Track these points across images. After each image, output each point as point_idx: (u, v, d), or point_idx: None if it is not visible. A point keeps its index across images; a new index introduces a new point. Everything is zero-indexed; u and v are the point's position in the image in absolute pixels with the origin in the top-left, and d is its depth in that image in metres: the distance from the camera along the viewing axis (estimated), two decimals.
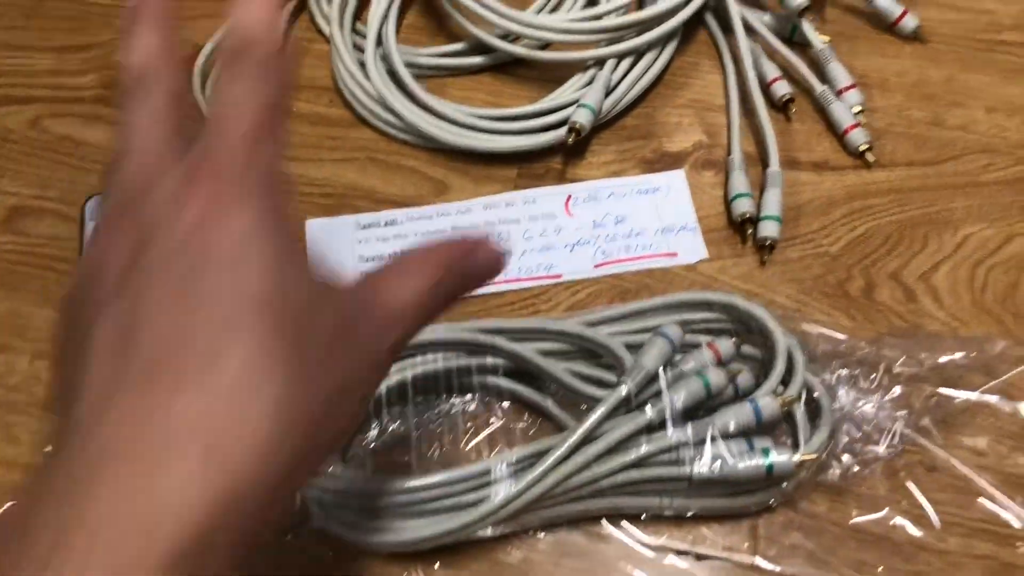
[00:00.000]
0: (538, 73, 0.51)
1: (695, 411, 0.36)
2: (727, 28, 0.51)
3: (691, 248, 0.44)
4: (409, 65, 0.50)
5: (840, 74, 0.48)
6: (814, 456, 0.35)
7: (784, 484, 0.36)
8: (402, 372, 0.38)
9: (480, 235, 0.27)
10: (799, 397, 0.37)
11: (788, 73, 0.49)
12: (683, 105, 0.50)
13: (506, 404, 0.39)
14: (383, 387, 0.38)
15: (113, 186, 0.25)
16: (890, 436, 0.37)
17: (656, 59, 0.49)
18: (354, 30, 0.53)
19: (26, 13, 0.56)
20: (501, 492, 0.34)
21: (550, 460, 0.34)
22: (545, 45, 0.50)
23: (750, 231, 0.44)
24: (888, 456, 0.37)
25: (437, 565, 0.36)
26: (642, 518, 0.37)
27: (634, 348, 0.38)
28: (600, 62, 0.48)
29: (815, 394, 0.37)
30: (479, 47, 0.51)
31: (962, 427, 0.38)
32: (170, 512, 0.19)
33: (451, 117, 0.48)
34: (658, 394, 0.36)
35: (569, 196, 0.46)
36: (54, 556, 0.18)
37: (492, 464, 0.35)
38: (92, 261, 0.24)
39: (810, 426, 0.37)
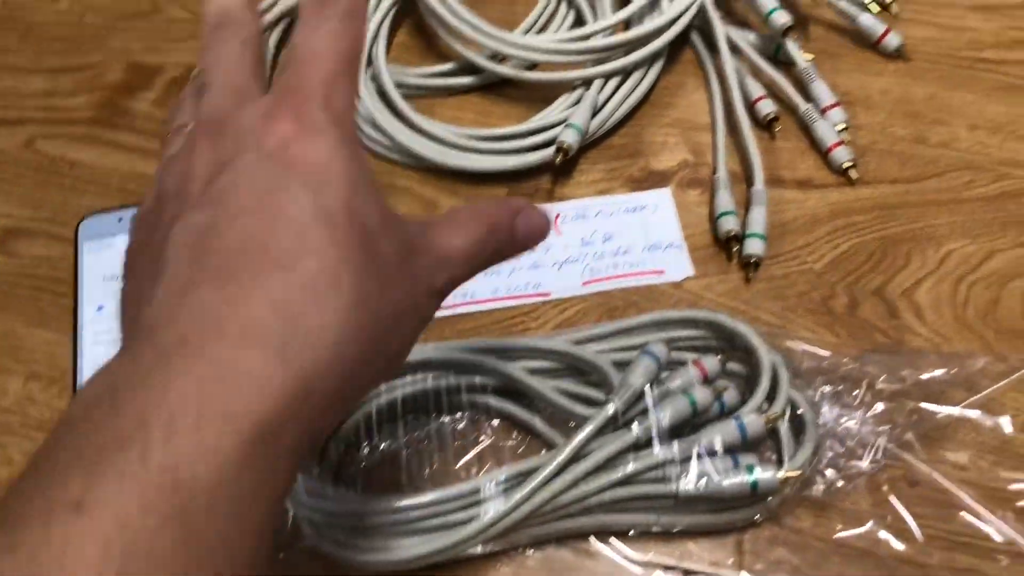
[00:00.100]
0: (527, 93, 0.51)
1: (681, 428, 0.37)
2: (713, 47, 0.52)
3: (677, 265, 0.45)
4: (399, 85, 0.50)
5: (824, 92, 0.49)
6: (798, 472, 0.36)
7: (769, 500, 0.36)
8: (392, 392, 0.38)
9: (525, 203, 0.29)
10: (783, 414, 0.37)
11: (773, 92, 0.50)
12: (669, 124, 0.50)
13: (495, 422, 0.40)
14: (373, 406, 0.38)
15: (199, 111, 0.26)
16: (873, 451, 0.38)
17: (643, 79, 0.50)
18: None
19: (19, 34, 0.57)
20: (491, 511, 0.35)
21: (539, 479, 0.35)
22: (533, 65, 0.50)
23: (735, 249, 0.45)
24: (871, 471, 0.38)
25: None
26: (630, 534, 0.37)
27: (622, 365, 0.39)
28: (587, 82, 0.49)
29: (799, 411, 0.38)
30: (468, 67, 0.51)
31: (944, 442, 0.39)
32: (247, 398, 0.20)
33: (441, 137, 0.48)
34: (645, 412, 0.37)
35: (558, 215, 0.47)
36: (137, 435, 0.18)
37: (481, 483, 0.36)
38: (173, 177, 0.25)
39: (795, 442, 0.37)
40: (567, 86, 0.50)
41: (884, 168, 0.48)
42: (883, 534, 0.37)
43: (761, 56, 0.51)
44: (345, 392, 0.23)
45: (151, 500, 0.18)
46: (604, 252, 0.45)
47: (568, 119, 0.47)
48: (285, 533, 0.36)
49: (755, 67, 0.51)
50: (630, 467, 0.36)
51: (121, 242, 0.45)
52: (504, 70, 0.50)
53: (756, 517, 0.37)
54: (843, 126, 0.48)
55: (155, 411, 0.19)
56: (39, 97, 0.54)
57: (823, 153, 0.48)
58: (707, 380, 0.38)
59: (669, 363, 0.39)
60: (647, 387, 0.37)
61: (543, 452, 0.38)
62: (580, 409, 0.38)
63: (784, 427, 0.37)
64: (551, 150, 0.47)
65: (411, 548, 0.35)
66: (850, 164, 0.47)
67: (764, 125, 0.49)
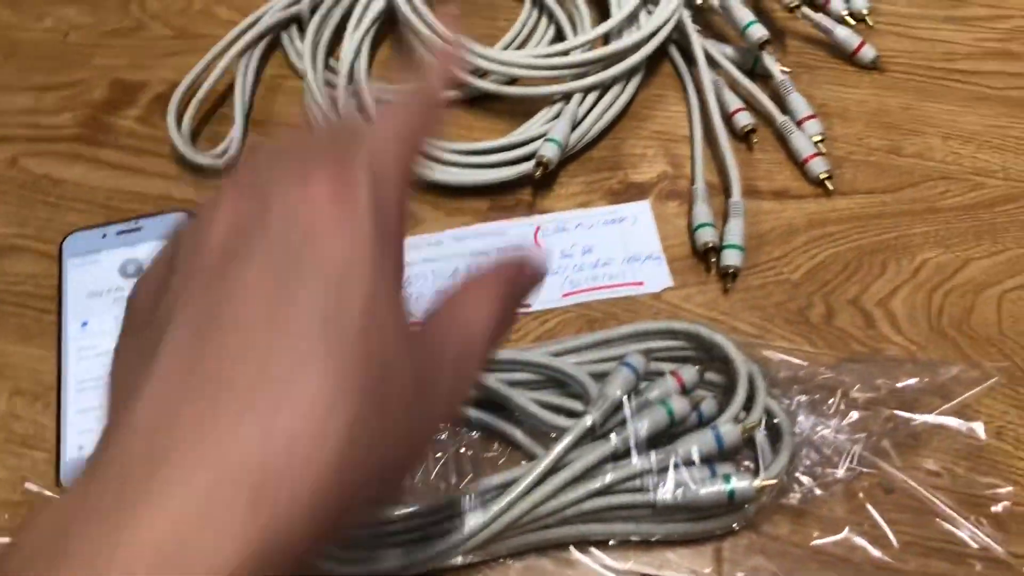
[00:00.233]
0: (507, 107, 0.52)
1: (660, 438, 0.37)
2: (691, 61, 0.52)
3: (657, 277, 0.45)
4: (380, 102, 0.51)
5: (800, 104, 0.50)
6: (774, 481, 0.36)
7: (746, 508, 0.37)
8: None
9: (521, 252, 0.26)
10: (760, 423, 0.38)
11: (750, 104, 0.51)
12: (648, 137, 0.51)
13: (475, 434, 0.40)
14: None
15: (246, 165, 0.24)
16: (849, 459, 0.38)
17: (621, 92, 0.50)
18: (327, 67, 0.54)
19: (4, 52, 0.57)
20: (470, 522, 0.35)
21: (518, 490, 0.35)
22: (513, 80, 0.51)
23: (713, 260, 0.45)
24: (847, 479, 0.38)
25: None
26: (609, 544, 0.37)
27: (600, 377, 0.39)
28: (567, 96, 0.49)
29: (776, 419, 0.38)
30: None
31: (919, 449, 0.39)
32: (212, 549, 0.18)
33: None
34: (624, 423, 0.37)
35: (538, 227, 0.47)
36: (98, 568, 0.17)
37: (461, 494, 0.36)
38: (191, 232, 0.23)
39: (771, 451, 0.38)
40: (547, 100, 0.50)
41: (860, 179, 0.48)
42: (859, 541, 0.37)
43: (738, 69, 0.52)
44: (328, 535, 0.20)
45: None
46: (584, 264, 0.46)
47: (548, 133, 0.48)
48: None
49: (732, 80, 0.51)
50: (608, 477, 0.36)
51: (106, 258, 0.46)
52: (485, 85, 0.50)
53: (734, 525, 0.37)
54: (819, 137, 0.49)
55: (106, 564, 0.17)
56: (23, 115, 0.54)
57: (800, 164, 0.48)
58: (685, 390, 0.39)
59: (648, 374, 0.39)
60: (625, 398, 0.37)
61: (523, 464, 0.39)
62: (559, 420, 0.38)
63: (761, 436, 0.38)
64: (532, 163, 0.47)
65: (391, 560, 0.35)
66: (826, 175, 0.48)
67: (742, 137, 0.50)
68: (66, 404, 0.42)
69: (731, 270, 0.44)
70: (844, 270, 0.45)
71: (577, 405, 0.39)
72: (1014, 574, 0.36)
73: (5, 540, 0.37)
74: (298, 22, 0.56)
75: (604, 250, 0.46)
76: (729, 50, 0.53)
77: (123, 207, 0.50)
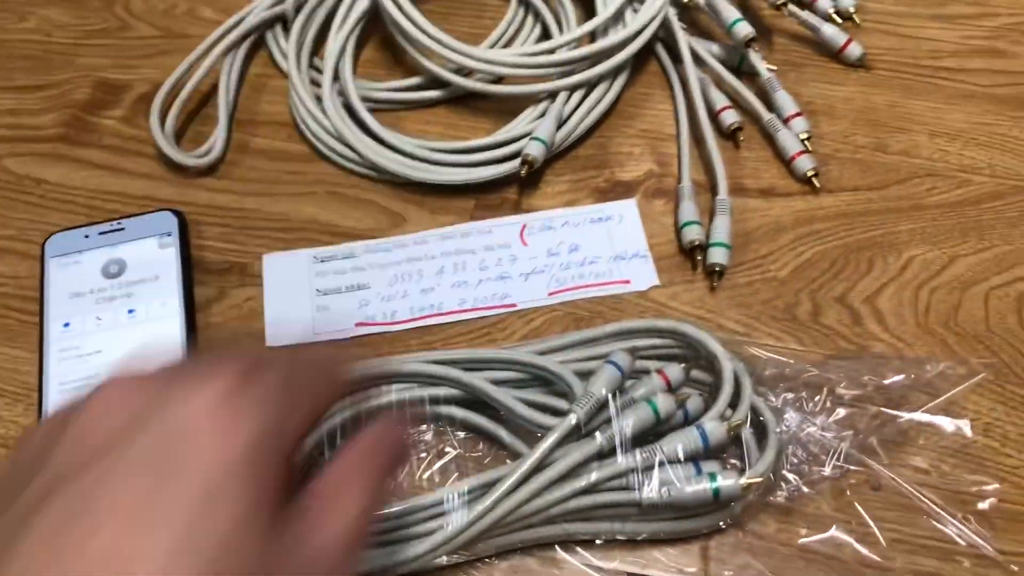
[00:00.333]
0: (493, 106, 0.52)
1: (645, 436, 0.37)
2: (677, 59, 0.52)
3: (643, 275, 0.45)
4: (365, 100, 0.50)
5: (787, 102, 0.50)
6: (760, 479, 0.36)
7: (732, 506, 0.37)
8: (356, 406, 0.38)
9: (380, 434, 0.26)
10: (745, 421, 0.37)
11: (736, 102, 0.51)
12: (635, 135, 0.51)
13: (461, 434, 0.40)
14: (338, 419, 0.38)
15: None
16: (836, 456, 0.38)
17: (607, 91, 0.50)
18: (312, 65, 0.54)
19: None
20: (454, 522, 0.35)
21: (501, 489, 0.35)
22: (499, 79, 0.51)
23: (700, 258, 0.45)
24: (834, 476, 0.38)
25: None
26: (595, 543, 0.37)
27: (586, 375, 0.39)
28: (553, 95, 0.49)
29: (762, 417, 0.38)
30: (434, 81, 0.52)
31: (906, 446, 0.39)
32: None
33: (407, 151, 0.48)
34: (608, 421, 0.37)
35: (524, 226, 0.47)
36: None
37: (445, 494, 0.36)
38: (80, 422, 0.22)
39: (757, 448, 0.38)
40: (533, 99, 0.50)
41: (846, 176, 0.48)
42: (846, 538, 0.37)
43: (725, 67, 0.51)
44: None
45: None
46: (570, 262, 0.46)
47: (533, 132, 0.47)
48: None
49: (719, 78, 0.51)
50: (594, 476, 0.36)
51: (88, 259, 0.46)
52: (470, 84, 0.50)
53: (720, 523, 0.37)
54: (806, 135, 0.49)
55: None
56: (6, 115, 0.54)
57: (786, 162, 0.48)
58: (671, 388, 0.38)
59: (633, 372, 0.39)
60: (610, 396, 0.37)
61: (508, 462, 0.38)
62: (544, 419, 0.38)
63: (747, 434, 0.38)
64: (517, 162, 0.47)
65: (375, 560, 0.35)
66: (813, 173, 0.47)
67: (728, 135, 0.50)
68: (47, 405, 0.42)
69: (717, 268, 0.44)
70: (831, 267, 0.45)
71: (562, 404, 0.39)
72: (1002, 570, 0.36)
73: None
74: (283, 21, 0.56)
75: (590, 248, 0.46)
76: (715, 48, 0.53)
77: (106, 207, 0.49)
